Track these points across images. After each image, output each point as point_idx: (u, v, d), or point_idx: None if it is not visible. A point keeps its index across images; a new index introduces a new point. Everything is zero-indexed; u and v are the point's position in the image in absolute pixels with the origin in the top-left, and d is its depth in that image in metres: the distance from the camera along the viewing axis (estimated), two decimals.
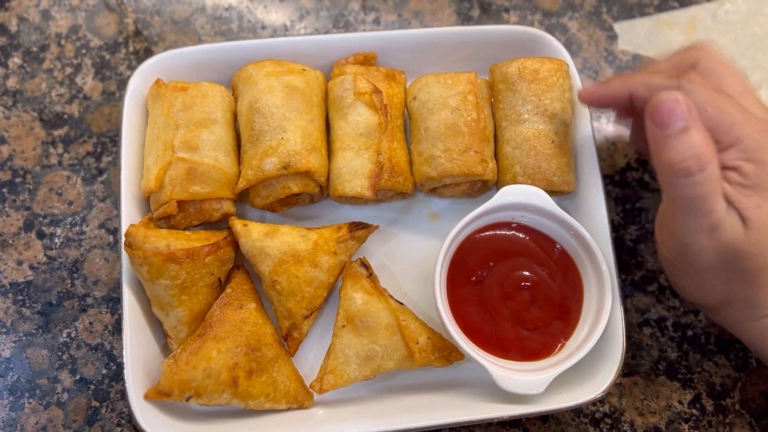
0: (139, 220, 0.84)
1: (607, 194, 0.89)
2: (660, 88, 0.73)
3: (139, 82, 0.90)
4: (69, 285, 0.91)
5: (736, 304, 0.76)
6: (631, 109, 0.79)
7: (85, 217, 0.94)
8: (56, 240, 0.93)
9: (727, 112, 0.72)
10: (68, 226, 0.94)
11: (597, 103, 0.83)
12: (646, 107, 0.69)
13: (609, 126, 1.03)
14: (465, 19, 1.09)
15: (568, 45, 1.05)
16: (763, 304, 0.74)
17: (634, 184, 1.00)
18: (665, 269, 0.81)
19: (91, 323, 0.90)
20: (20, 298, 0.90)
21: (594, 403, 0.89)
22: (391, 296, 0.84)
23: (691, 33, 1.09)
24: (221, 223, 0.89)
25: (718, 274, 0.73)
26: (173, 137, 0.84)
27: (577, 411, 0.88)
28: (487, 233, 0.88)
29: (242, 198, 0.91)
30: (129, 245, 0.79)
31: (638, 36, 1.09)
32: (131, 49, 1.03)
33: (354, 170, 0.86)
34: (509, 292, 0.85)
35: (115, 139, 0.98)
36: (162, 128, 0.86)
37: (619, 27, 1.09)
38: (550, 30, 1.06)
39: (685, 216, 0.71)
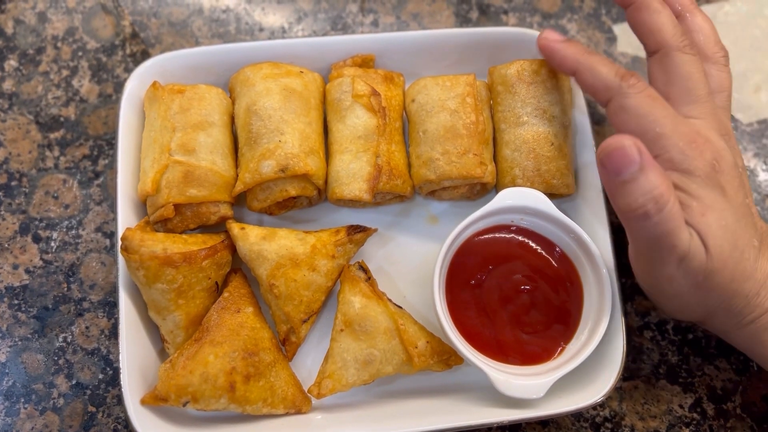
0: (136, 224, 0.84)
1: (606, 198, 0.88)
2: (602, 83, 0.77)
3: (136, 84, 0.89)
4: (65, 289, 0.90)
5: (718, 316, 0.78)
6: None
7: (81, 220, 0.94)
8: (52, 244, 0.92)
9: (656, 123, 0.73)
10: (64, 230, 0.93)
11: (547, 56, 0.85)
12: (597, 153, 0.69)
13: (608, 129, 1.02)
14: (463, 21, 1.08)
15: None
16: (742, 312, 0.76)
17: None
18: (646, 293, 0.82)
19: (87, 328, 0.89)
20: (16, 302, 0.90)
21: (594, 407, 0.88)
22: (390, 300, 0.84)
23: None
24: (218, 227, 0.89)
25: (693, 295, 0.75)
26: (170, 140, 0.84)
27: (577, 415, 0.88)
28: (487, 236, 0.87)
29: (240, 201, 0.91)
30: (125, 249, 0.78)
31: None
32: (128, 51, 1.03)
33: (352, 173, 0.86)
34: (509, 296, 0.84)
35: (111, 142, 0.97)
36: (159, 131, 0.85)
37: (619, 29, 1.09)
38: None
39: (650, 253, 0.73)
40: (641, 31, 0.82)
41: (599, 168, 0.70)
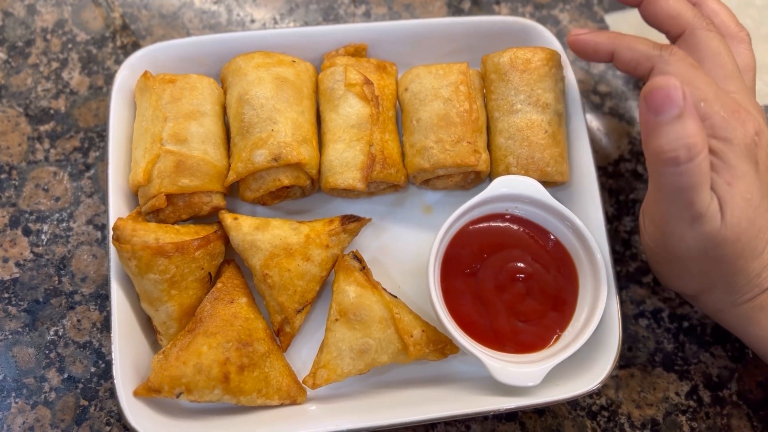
0: (127, 215, 0.83)
1: (601, 186, 0.88)
2: (643, 54, 0.78)
3: (127, 74, 0.88)
4: (56, 282, 0.89)
5: (716, 291, 0.77)
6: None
7: (72, 213, 0.93)
8: (43, 237, 0.91)
9: (698, 88, 0.72)
10: (55, 223, 0.92)
11: (581, 49, 0.85)
12: (642, 90, 0.68)
13: (602, 117, 1.02)
14: (456, 11, 1.08)
15: (559, 37, 1.04)
16: (742, 290, 0.75)
17: (628, 175, 0.99)
18: (647, 256, 0.82)
19: (79, 321, 0.88)
20: (6, 296, 0.88)
21: (591, 395, 0.88)
22: (385, 289, 0.83)
23: None
24: (211, 218, 0.88)
25: (697, 262, 0.74)
26: (161, 130, 0.83)
27: (573, 404, 0.88)
28: (481, 225, 0.87)
29: (232, 193, 0.90)
30: (117, 239, 0.78)
31: (629, 28, 1.08)
32: (118, 43, 1.02)
33: (346, 162, 0.85)
34: (504, 284, 0.84)
35: (102, 135, 0.96)
36: (150, 121, 0.84)
37: (610, 19, 1.09)
38: (541, 22, 1.05)
39: (668, 205, 0.71)
40: (661, 20, 0.82)
41: (641, 103, 0.69)
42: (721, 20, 0.83)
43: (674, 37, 0.82)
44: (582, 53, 0.85)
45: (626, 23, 1.09)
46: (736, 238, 0.70)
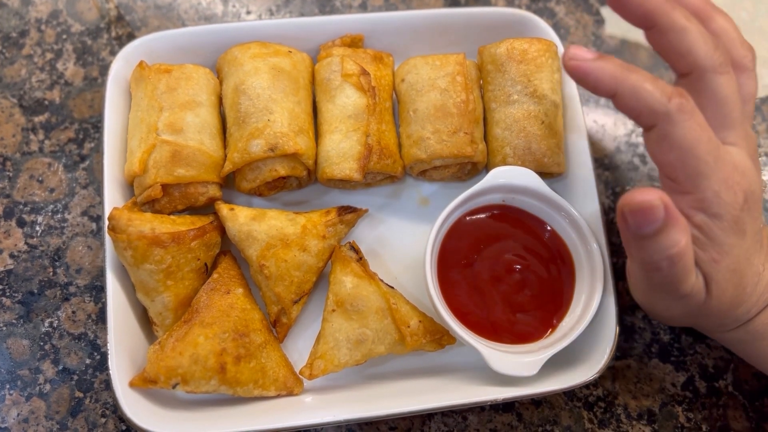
0: (123, 205, 0.82)
1: (597, 177, 0.88)
2: (647, 108, 0.67)
3: (122, 64, 0.88)
4: (51, 273, 0.89)
5: (705, 326, 0.81)
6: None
7: (67, 204, 0.92)
8: (37, 228, 0.91)
9: (698, 160, 0.67)
10: (50, 214, 0.91)
11: (578, 79, 0.71)
12: (619, 201, 0.64)
13: (598, 109, 1.02)
14: (452, 2, 1.08)
15: (555, 29, 1.03)
16: (730, 325, 0.77)
17: (624, 167, 0.99)
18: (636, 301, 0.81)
19: (73, 312, 0.87)
20: (0, 287, 0.88)
21: (587, 386, 0.88)
22: (382, 280, 0.83)
23: None
24: (207, 209, 0.88)
25: (685, 318, 0.77)
26: (157, 119, 0.82)
27: (570, 395, 0.88)
28: (478, 216, 0.87)
29: (228, 184, 0.89)
30: (113, 228, 0.77)
31: (626, 23, 1.08)
32: (113, 34, 1.01)
33: (342, 152, 0.85)
34: (500, 275, 0.84)
35: (97, 126, 0.96)
36: (145, 111, 0.84)
37: (607, 11, 1.09)
38: (537, 14, 1.04)
39: (651, 288, 0.72)
40: (669, 55, 0.72)
41: (619, 218, 0.65)
42: (727, 42, 0.76)
43: (681, 74, 0.73)
44: (579, 82, 0.72)
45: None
46: (719, 303, 0.71)
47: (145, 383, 0.76)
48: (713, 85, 0.70)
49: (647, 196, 0.62)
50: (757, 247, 0.72)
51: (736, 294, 0.71)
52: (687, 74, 0.71)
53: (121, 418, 0.83)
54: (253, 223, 0.82)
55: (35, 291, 0.88)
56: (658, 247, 0.64)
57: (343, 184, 0.90)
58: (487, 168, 0.89)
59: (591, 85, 0.70)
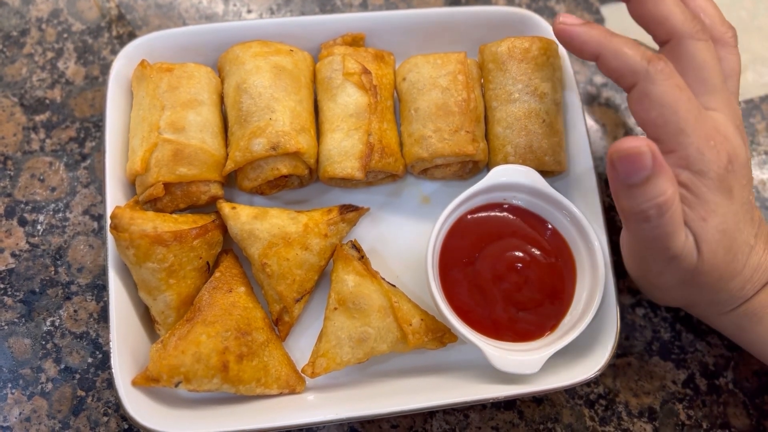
0: (125, 204, 0.82)
1: (598, 176, 0.88)
2: (628, 67, 0.71)
3: (124, 63, 0.88)
4: (52, 272, 0.89)
5: (701, 306, 0.81)
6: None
7: (68, 203, 0.92)
8: (39, 227, 0.91)
9: (678, 115, 0.70)
10: (51, 213, 0.91)
11: (565, 41, 0.77)
12: (609, 152, 0.66)
13: (598, 108, 1.03)
14: (453, 1, 1.08)
15: None
16: (725, 303, 0.77)
17: None
18: (632, 279, 0.83)
19: (75, 311, 0.87)
20: (2, 286, 0.88)
21: (588, 384, 0.88)
22: (383, 278, 0.83)
23: None
24: (208, 208, 0.88)
25: (679, 289, 0.77)
26: (159, 118, 0.82)
27: (571, 392, 0.88)
28: (479, 215, 0.87)
29: (230, 183, 0.90)
30: (115, 227, 0.77)
31: (625, 19, 1.07)
32: (114, 33, 1.01)
33: (344, 151, 0.85)
34: (502, 274, 0.84)
35: (98, 125, 0.96)
36: (147, 109, 0.84)
37: (606, 10, 1.09)
38: (537, 13, 1.05)
39: (643, 249, 0.73)
40: (648, 23, 0.77)
41: (608, 166, 0.67)
42: (707, 20, 0.80)
43: (661, 42, 0.78)
44: (566, 45, 0.78)
45: (622, 14, 1.08)
46: (712, 268, 0.72)
47: (147, 382, 0.76)
48: (691, 50, 0.74)
49: (635, 142, 0.64)
50: (747, 217, 0.73)
51: (727, 260, 0.72)
52: (666, 41, 0.76)
53: (124, 417, 0.83)
54: (254, 221, 0.82)
55: (37, 290, 0.88)
56: (647, 195, 0.65)
57: (345, 182, 0.90)
58: (488, 166, 0.90)
59: (577, 48, 0.76)
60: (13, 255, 0.89)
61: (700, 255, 0.70)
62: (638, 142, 0.64)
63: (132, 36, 1.01)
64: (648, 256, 0.73)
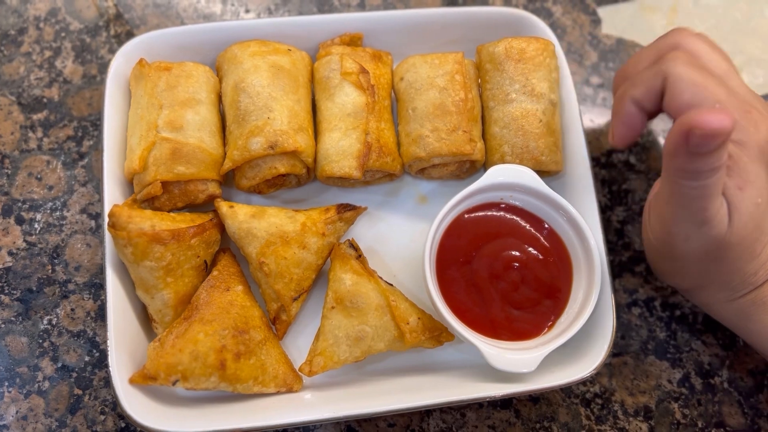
0: (123, 202, 0.82)
1: (594, 176, 0.88)
2: (648, 80, 0.73)
3: (122, 62, 0.88)
4: (50, 271, 0.89)
5: (711, 288, 0.79)
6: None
7: (65, 202, 0.92)
8: (36, 225, 0.91)
9: (709, 90, 0.70)
10: (48, 212, 0.91)
11: (632, 141, 0.79)
12: (684, 118, 0.63)
13: (595, 108, 1.03)
14: (450, 1, 1.08)
15: (552, 29, 1.05)
16: (736, 287, 0.76)
17: (621, 165, 1.00)
18: (646, 250, 0.82)
19: (72, 310, 0.87)
20: None
21: (584, 383, 0.89)
22: (381, 277, 0.83)
23: (673, 18, 1.10)
24: (206, 207, 0.88)
25: (698, 261, 0.75)
26: (157, 117, 0.82)
27: (567, 391, 0.88)
28: (476, 214, 0.87)
29: (228, 182, 0.90)
30: (113, 225, 0.77)
31: (621, 20, 1.09)
32: (112, 32, 1.02)
33: (342, 150, 0.85)
34: (498, 273, 0.84)
35: (96, 123, 0.96)
36: (145, 108, 0.84)
37: (603, 11, 1.10)
38: (534, 14, 1.06)
39: (678, 207, 0.71)
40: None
41: (678, 134, 0.64)
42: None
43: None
44: (634, 136, 0.79)
45: (618, 16, 1.09)
46: (739, 241, 0.71)
47: (144, 380, 0.76)
48: (687, 43, 0.76)
49: (724, 122, 0.61)
50: None
51: (754, 237, 0.71)
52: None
53: (121, 415, 0.83)
54: (252, 220, 0.82)
55: (34, 288, 0.88)
56: (707, 161, 0.64)
57: (342, 182, 0.91)
58: (485, 166, 0.90)
59: (638, 132, 0.78)
60: (10, 253, 0.89)
61: (731, 224, 0.70)
62: (726, 122, 0.61)
63: (130, 35, 1.01)
64: (681, 215, 0.71)
